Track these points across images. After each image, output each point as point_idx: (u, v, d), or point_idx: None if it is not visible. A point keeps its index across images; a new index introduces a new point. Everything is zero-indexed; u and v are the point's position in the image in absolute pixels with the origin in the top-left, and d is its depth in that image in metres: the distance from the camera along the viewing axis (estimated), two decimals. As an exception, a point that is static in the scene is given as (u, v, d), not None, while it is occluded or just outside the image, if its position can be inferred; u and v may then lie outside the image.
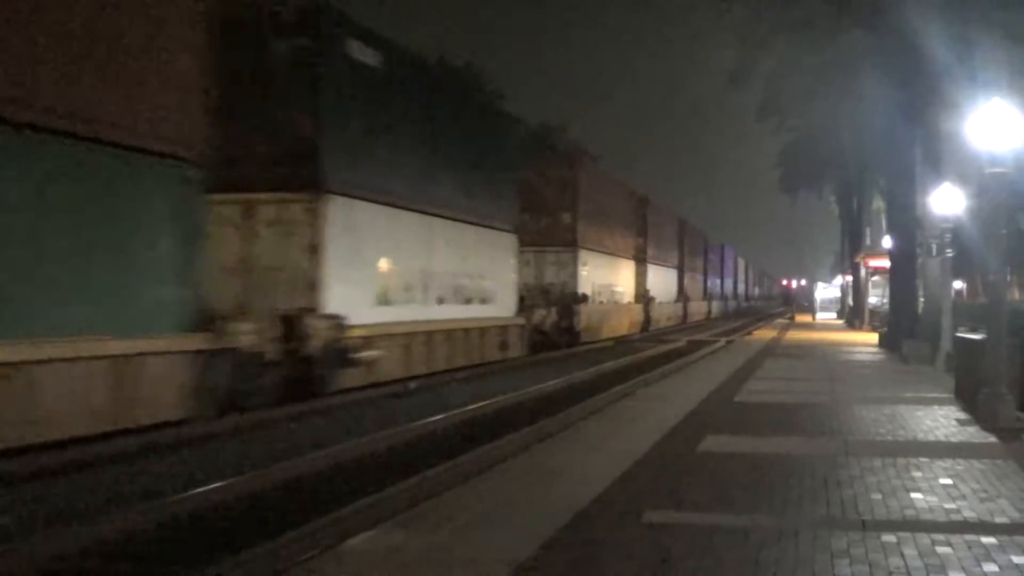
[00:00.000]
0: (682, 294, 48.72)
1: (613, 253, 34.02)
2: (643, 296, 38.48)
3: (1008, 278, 12.70)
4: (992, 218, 10.35)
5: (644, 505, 6.11)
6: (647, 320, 38.37)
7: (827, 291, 61.85)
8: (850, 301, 45.01)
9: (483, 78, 45.82)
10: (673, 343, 31.25)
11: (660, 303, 41.67)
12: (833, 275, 68.80)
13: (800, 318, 52.70)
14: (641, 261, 38.81)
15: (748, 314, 76.49)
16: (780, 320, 54.38)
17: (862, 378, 16.27)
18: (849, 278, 46.06)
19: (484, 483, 6.99)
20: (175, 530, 7.03)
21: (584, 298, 28.69)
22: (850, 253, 43.88)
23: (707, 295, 60.05)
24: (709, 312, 59.93)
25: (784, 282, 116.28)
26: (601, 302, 31.43)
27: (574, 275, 28.55)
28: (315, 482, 8.73)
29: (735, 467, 7.52)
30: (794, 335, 33.11)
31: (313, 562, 5.13)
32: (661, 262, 43.40)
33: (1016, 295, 38.97)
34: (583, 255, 29.24)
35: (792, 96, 29.33)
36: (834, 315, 52.09)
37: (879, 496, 6.45)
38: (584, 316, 28.43)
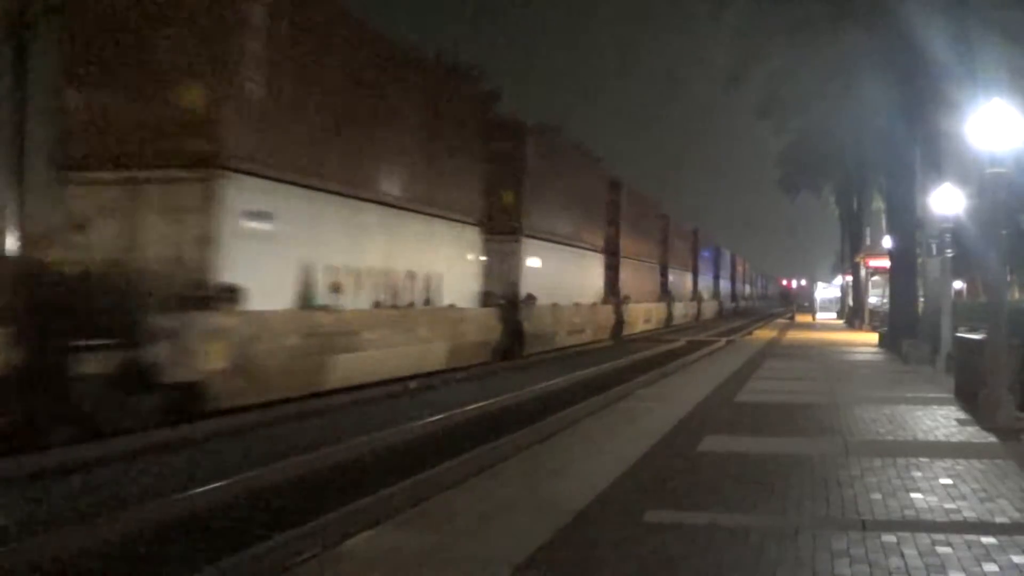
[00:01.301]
0: (614, 294, 33.70)
1: (417, 209, 17.96)
2: (498, 297, 22.30)
3: (1008, 278, 12.72)
4: (992, 218, 10.35)
5: (644, 505, 6.11)
6: (512, 337, 22.52)
7: (827, 291, 61.88)
8: (850, 301, 45.02)
9: (484, 77, 45.57)
10: (673, 343, 31.24)
11: (555, 308, 25.83)
12: (833, 275, 68.80)
13: (800, 318, 52.69)
14: (506, 234, 23.16)
15: (741, 316, 68.82)
16: (780, 320, 54.29)
17: (862, 378, 16.27)
18: (849, 278, 46.07)
19: (484, 483, 6.99)
20: (175, 530, 7.03)
21: (221, 298, 12.06)
22: (850, 253, 43.88)
23: (666, 294, 45.35)
24: (669, 317, 44.61)
25: (784, 282, 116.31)
26: (326, 308, 14.42)
27: (206, 239, 12.15)
28: (315, 482, 8.73)
29: (735, 467, 7.52)
30: (794, 335, 33.10)
31: (313, 562, 5.13)
32: (566, 239, 27.96)
33: (1016, 295, 39.01)
34: (253, 192, 12.82)
35: (792, 96, 29.30)
36: (834, 315, 52.13)
37: (879, 496, 6.44)
38: (219, 348, 11.78)
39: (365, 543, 5.32)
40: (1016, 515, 5.95)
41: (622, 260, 35.33)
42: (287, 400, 13.09)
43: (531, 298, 23.83)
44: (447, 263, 19.76)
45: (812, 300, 62.30)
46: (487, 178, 22.28)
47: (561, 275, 27.26)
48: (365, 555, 5.10)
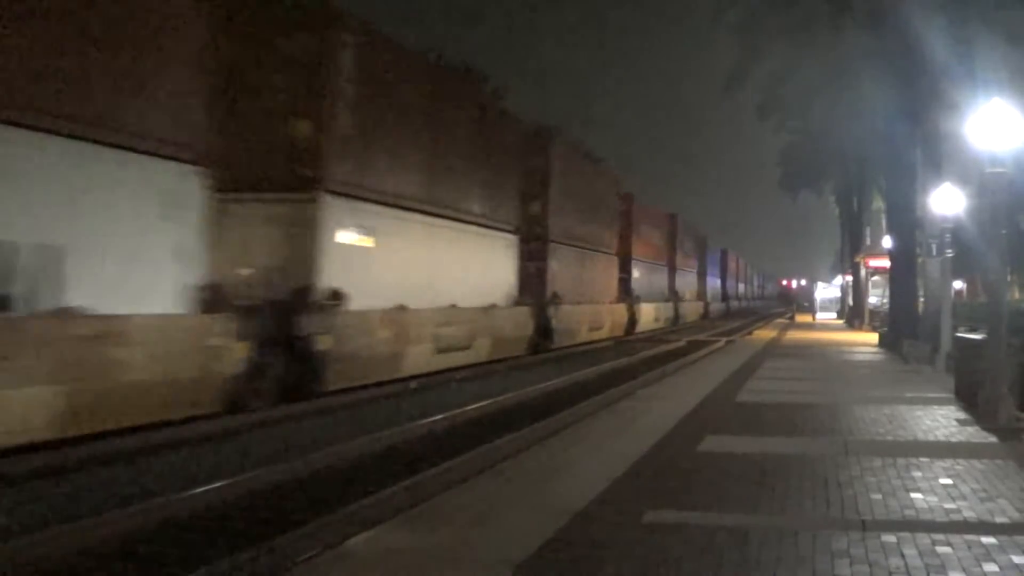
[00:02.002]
0: (535, 293, 24.45)
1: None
2: (243, 296, 13.14)
3: (1008, 278, 12.73)
4: (992, 218, 10.35)
5: (644, 505, 6.11)
6: (289, 364, 13.47)
7: (827, 291, 61.91)
8: (850, 301, 45.04)
9: (483, 77, 45.32)
10: (674, 343, 31.25)
11: (402, 315, 16.47)
12: (833, 275, 68.84)
13: (800, 318, 52.73)
14: (290, 190, 14.43)
15: (737, 317, 61.01)
16: (779, 320, 54.22)
17: (862, 378, 16.27)
18: (849, 278, 46.08)
19: (484, 483, 6.99)
20: (175, 530, 7.03)
21: None
22: (850, 253, 43.90)
23: (627, 294, 35.58)
24: (631, 322, 35.07)
25: (784, 282, 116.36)
26: None
27: None
28: (316, 482, 8.73)
29: (735, 467, 7.52)
30: (794, 335, 33.11)
31: (313, 562, 5.13)
32: (433, 207, 18.43)
33: (1016, 295, 39.05)
34: None
35: (792, 96, 29.32)
36: (834, 315, 52.15)
37: (879, 496, 6.45)
38: None
39: (365, 543, 5.32)
40: (1016, 515, 5.95)
41: (552, 247, 25.88)
42: (287, 401, 13.08)
43: (337, 297, 14.29)
44: (87, 229, 10.39)
45: (812, 300, 62.27)
46: (268, 96, 14.22)
47: (421, 263, 17.79)
48: (365, 555, 5.10)
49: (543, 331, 24.58)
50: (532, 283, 24.77)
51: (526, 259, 24.60)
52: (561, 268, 26.77)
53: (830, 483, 6.88)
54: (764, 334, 35.75)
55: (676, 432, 9.45)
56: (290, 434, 11.36)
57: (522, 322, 23.40)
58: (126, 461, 9.40)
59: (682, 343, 31.13)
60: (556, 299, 25.74)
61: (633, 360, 23.49)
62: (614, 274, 34.07)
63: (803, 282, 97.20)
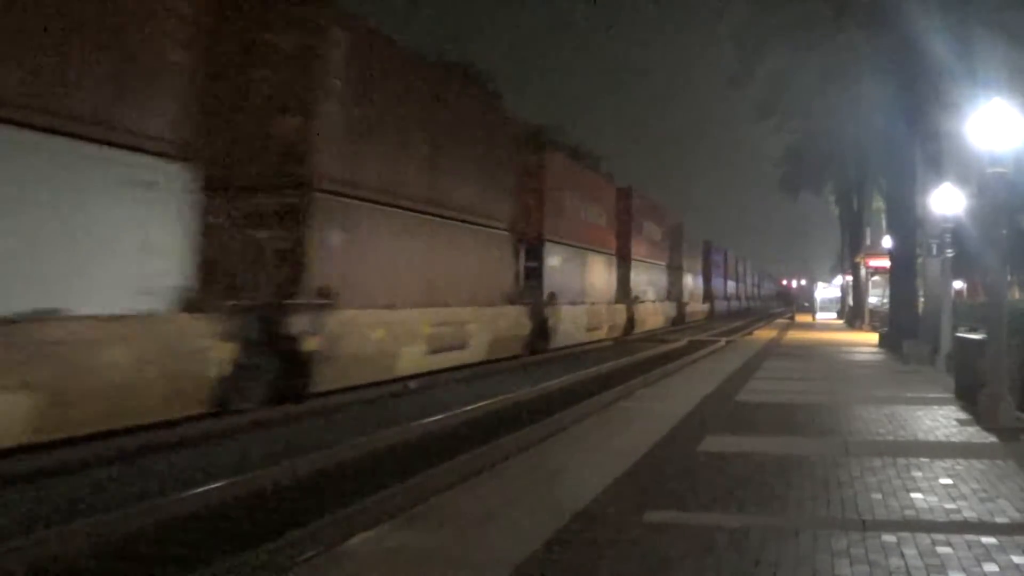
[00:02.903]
0: (299, 289, 13.12)
1: None
2: None
3: (1008, 278, 12.77)
4: (992, 218, 10.35)
5: (644, 505, 6.11)
6: None
7: (827, 291, 61.94)
8: (850, 301, 45.05)
9: (482, 77, 45.30)
10: (674, 343, 31.26)
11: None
12: (833, 275, 68.85)
13: (800, 318, 52.77)
14: None
15: (728, 320, 54.95)
16: (779, 320, 54.20)
17: (862, 378, 16.27)
18: (849, 278, 46.10)
19: (484, 483, 6.99)
20: (175, 530, 7.03)
21: None
22: (850, 253, 43.91)
23: (537, 292, 24.23)
24: (542, 332, 23.62)
25: (784, 282, 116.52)
26: None
27: None
28: (316, 482, 8.73)
29: (735, 467, 7.52)
30: (794, 335, 33.11)
31: (313, 562, 5.13)
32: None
33: (1016, 295, 39.05)
34: None
35: (792, 96, 29.35)
36: (834, 315, 52.19)
37: (879, 496, 6.44)
38: None
39: (365, 543, 5.31)
40: (1016, 515, 5.95)
41: (324, 203, 13.91)
42: (287, 400, 13.07)
43: None
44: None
45: (812, 300, 62.27)
46: None
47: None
48: (365, 555, 5.10)
49: (284, 365, 12.78)
50: (276, 272, 13.51)
51: (276, 227, 13.54)
52: (354, 245, 14.78)
53: (830, 483, 6.88)
54: (764, 334, 35.74)
55: (676, 432, 9.45)
56: (289, 434, 11.37)
57: (184, 351, 10.78)
58: (126, 461, 9.41)
59: (683, 343, 31.15)
60: (327, 298, 13.73)
61: (633, 360, 23.48)
62: (509, 263, 22.68)
63: (803, 282, 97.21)
